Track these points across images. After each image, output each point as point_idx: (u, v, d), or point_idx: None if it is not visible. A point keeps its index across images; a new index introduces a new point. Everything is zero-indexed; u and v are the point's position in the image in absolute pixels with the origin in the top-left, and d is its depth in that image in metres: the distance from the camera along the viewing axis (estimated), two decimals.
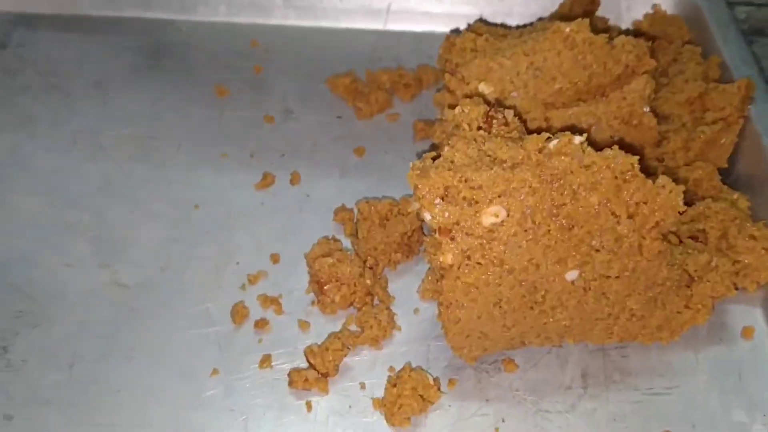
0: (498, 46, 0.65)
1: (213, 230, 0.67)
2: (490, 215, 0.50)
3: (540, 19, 0.72)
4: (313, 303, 0.61)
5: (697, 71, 0.71)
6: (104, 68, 0.83)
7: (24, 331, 0.60)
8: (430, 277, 0.61)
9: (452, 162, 0.51)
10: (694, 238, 0.60)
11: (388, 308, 0.60)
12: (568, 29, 0.62)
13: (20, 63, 0.85)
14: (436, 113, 0.76)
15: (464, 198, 0.50)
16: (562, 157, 0.50)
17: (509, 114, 0.54)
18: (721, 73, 0.72)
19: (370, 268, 0.61)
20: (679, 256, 0.55)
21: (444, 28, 0.83)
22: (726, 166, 0.67)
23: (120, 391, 0.56)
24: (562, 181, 0.50)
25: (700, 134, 0.66)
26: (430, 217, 0.51)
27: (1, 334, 0.60)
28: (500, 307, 0.52)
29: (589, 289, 0.53)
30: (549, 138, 0.51)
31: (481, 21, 0.75)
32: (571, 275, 0.52)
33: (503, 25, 0.73)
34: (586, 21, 0.63)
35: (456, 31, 0.70)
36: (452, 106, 0.55)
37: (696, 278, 0.56)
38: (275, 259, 0.64)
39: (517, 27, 0.71)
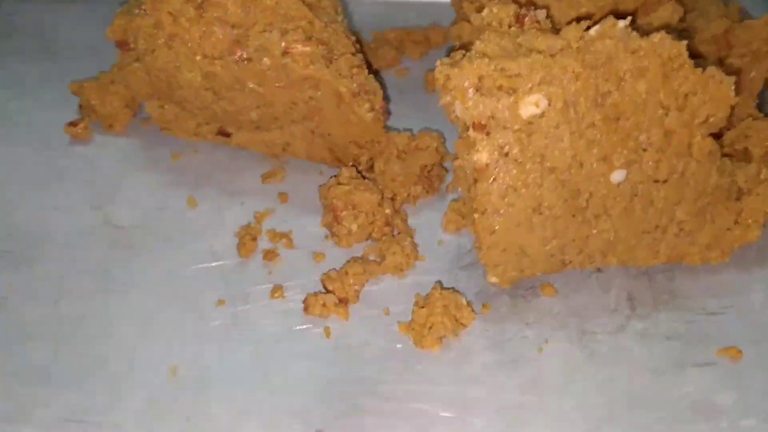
0: None
1: (214, 174, 0.62)
2: (530, 105, 0.45)
3: None
4: (326, 237, 0.56)
5: (719, 13, 0.68)
6: (98, 35, 0.79)
7: (5, 270, 0.54)
8: (454, 208, 0.56)
9: (485, 54, 0.47)
10: (737, 159, 0.56)
11: (411, 237, 0.55)
12: None
13: (9, 28, 0.80)
14: None
15: (500, 87, 0.46)
16: (607, 41, 0.46)
17: (541, 13, 0.50)
18: (741, 18, 0.70)
19: (390, 198, 0.56)
20: (729, 166, 0.51)
21: None
22: (757, 101, 0.64)
23: (113, 323, 0.50)
24: (606, 67, 0.46)
25: (730, 66, 0.62)
26: (463, 111, 0.46)
27: None
28: (540, 213, 0.47)
29: (636, 193, 0.48)
30: (589, 26, 0.47)
31: None
32: (618, 176, 0.47)
33: None
34: None
35: None
36: (480, 9, 0.52)
37: (746, 191, 0.52)
38: (283, 198, 0.59)
39: None
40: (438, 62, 0.48)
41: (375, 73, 0.71)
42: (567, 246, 0.49)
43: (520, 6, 0.51)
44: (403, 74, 0.74)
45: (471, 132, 0.46)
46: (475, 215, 0.48)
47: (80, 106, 0.67)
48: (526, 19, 0.50)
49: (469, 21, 0.60)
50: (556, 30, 0.50)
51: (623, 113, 0.46)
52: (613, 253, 0.51)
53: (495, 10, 0.50)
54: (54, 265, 0.54)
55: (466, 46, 0.57)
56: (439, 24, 0.78)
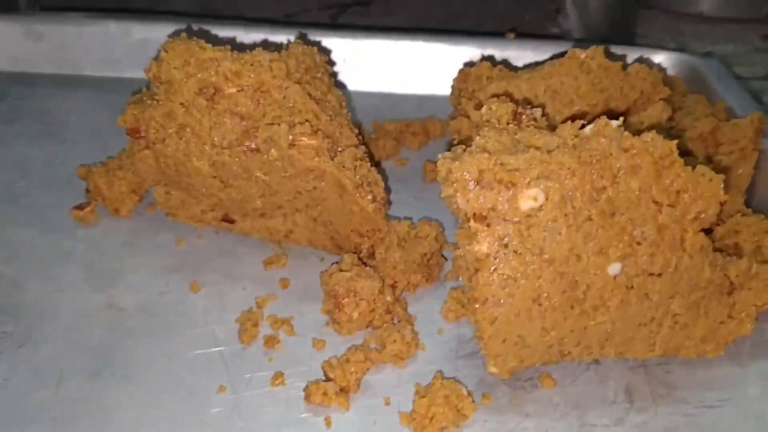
0: (513, 74, 0.65)
1: (217, 259, 0.63)
2: (529, 199, 0.47)
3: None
4: (327, 324, 0.57)
5: (705, 112, 0.71)
6: (104, 121, 0.81)
7: (7, 351, 0.54)
8: (454, 296, 0.57)
9: (485, 149, 0.49)
10: (728, 254, 0.57)
11: (411, 325, 0.56)
12: (583, 55, 0.63)
13: (17, 114, 0.83)
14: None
15: (500, 181, 0.47)
16: (601, 139, 0.48)
17: (537, 111, 0.53)
18: (728, 117, 0.73)
19: (390, 286, 0.58)
20: (721, 261, 0.52)
21: (449, 90, 0.84)
22: (745, 197, 0.66)
23: (114, 408, 0.50)
24: (601, 164, 0.48)
25: (718, 163, 0.65)
26: (464, 203, 0.48)
27: None
28: (540, 304, 0.48)
29: (632, 286, 0.49)
30: (583, 125, 0.49)
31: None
32: (614, 269, 0.49)
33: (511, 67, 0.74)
34: (601, 48, 0.63)
35: (469, 65, 0.70)
36: (478, 106, 0.54)
37: (737, 286, 0.53)
38: (284, 283, 0.60)
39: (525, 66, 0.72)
40: (440, 156, 0.50)
41: (376, 163, 0.74)
42: (566, 337, 0.50)
43: (517, 104, 0.53)
44: (403, 164, 0.76)
45: (472, 223, 0.48)
46: (476, 305, 0.49)
47: (87, 190, 0.69)
48: (524, 117, 0.52)
49: (467, 116, 0.63)
50: (552, 128, 0.52)
51: (618, 208, 0.48)
52: (611, 345, 0.51)
53: (493, 107, 0.53)
54: (56, 347, 0.54)
55: (465, 141, 0.59)
56: (436, 117, 0.81)
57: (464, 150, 0.49)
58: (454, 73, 0.83)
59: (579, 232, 0.48)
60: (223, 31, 0.87)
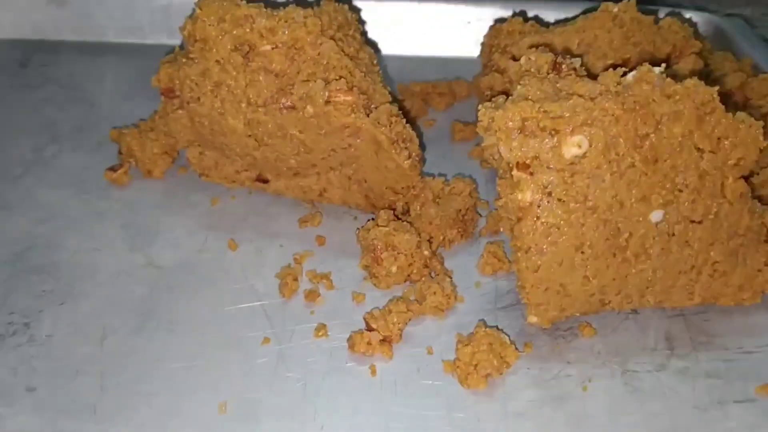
0: (545, 29, 0.65)
1: (252, 218, 0.63)
2: (573, 146, 0.47)
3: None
4: (365, 279, 0.57)
5: (732, 68, 0.71)
6: (131, 85, 0.82)
7: (48, 308, 0.55)
8: (490, 251, 0.58)
9: (527, 98, 0.49)
10: (764, 203, 0.57)
11: (449, 278, 0.56)
12: (615, 9, 0.63)
13: (42, 79, 0.83)
14: (473, 118, 0.75)
15: (544, 129, 0.48)
16: (644, 85, 0.48)
17: (577, 61, 0.53)
18: (754, 73, 0.73)
19: (427, 241, 0.58)
20: (759, 209, 0.52)
21: (473, 52, 0.83)
22: None
23: (160, 360, 0.50)
24: (644, 110, 0.48)
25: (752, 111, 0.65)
26: (507, 152, 0.48)
27: (22, 312, 0.54)
28: (582, 252, 0.49)
29: (673, 234, 0.50)
30: (625, 72, 0.49)
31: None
32: (656, 216, 0.49)
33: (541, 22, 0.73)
34: (633, 1, 0.63)
35: (500, 21, 0.70)
36: (516, 59, 0.54)
37: None
38: (320, 241, 0.61)
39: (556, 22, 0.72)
40: (481, 106, 0.50)
41: (409, 121, 0.73)
42: (606, 286, 0.50)
43: (556, 54, 0.53)
44: (430, 124, 0.76)
45: (515, 172, 0.48)
46: (519, 254, 0.49)
47: (120, 152, 0.69)
48: (563, 66, 0.52)
49: (499, 72, 0.63)
50: (592, 76, 0.52)
51: (660, 155, 0.48)
52: (651, 294, 0.52)
53: (533, 57, 0.53)
54: (98, 303, 0.55)
55: (499, 95, 0.59)
56: (462, 78, 0.81)
57: (506, 99, 0.49)
58: (479, 35, 0.82)
59: (622, 179, 0.48)
60: None
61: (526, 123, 0.48)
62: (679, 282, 0.52)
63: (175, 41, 0.87)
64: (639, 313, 0.53)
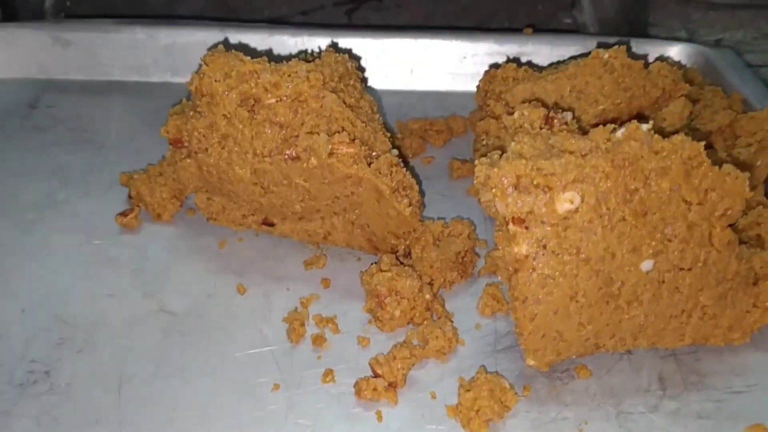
0: (538, 75, 0.67)
1: (259, 261, 0.66)
2: (565, 201, 0.50)
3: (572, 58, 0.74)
4: (370, 322, 0.59)
5: (722, 105, 0.74)
6: (137, 126, 0.84)
7: (67, 356, 0.57)
8: (489, 292, 0.60)
9: (521, 155, 0.52)
10: (751, 245, 0.60)
11: (450, 321, 0.58)
12: (606, 55, 0.65)
13: (50, 121, 0.85)
14: (470, 155, 0.78)
15: (537, 185, 0.50)
16: (632, 142, 0.50)
17: (568, 115, 0.55)
18: (744, 109, 0.75)
19: (428, 284, 0.60)
20: (746, 253, 0.55)
21: (468, 87, 0.86)
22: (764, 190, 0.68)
23: (175, 409, 0.53)
24: (633, 167, 0.50)
25: (737, 157, 0.67)
26: (503, 207, 0.50)
27: (42, 361, 0.56)
28: (576, 300, 0.51)
29: (663, 281, 0.52)
30: (614, 129, 0.52)
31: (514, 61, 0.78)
32: (647, 265, 0.51)
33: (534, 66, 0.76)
34: (623, 47, 0.66)
35: (495, 66, 0.72)
36: (509, 113, 0.57)
37: (762, 276, 0.56)
38: (326, 283, 0.63)
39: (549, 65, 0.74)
40: (477, 162, 0.52)
41: (407, 160, 0.76)
42: (601, 331, 0.53)
43: (548, 108, 0.56)
44: (429, 162, 0.79)
45: (511, 226, 0.50)
46: (516, 303, 0.51)
47: (130, 197, 0.71)
48: (555, 121, 0.55)
49: (494, 117, 0.65)
50: (582, 130, 0.55)
51: (650, 208, 0.51)
52: (644, 336, 0.54)
53: (526, 113, 0.55)
54: (114, 351, 0.57)
55: (494, 141, 0.62)
56: (458, 113, 0.84)
57: (501, 156, 0.52)
58: (474, 69, 0.85)
59: (613, 232, 0.50)
60: (247, 37, 0.89)
61: (520, 180, 0.50)
62: (671, 325, 0.54)
63: (179, 79, 0.90)
64: (633, 353, 0.56)
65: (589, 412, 0.52)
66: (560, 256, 0.50)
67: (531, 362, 0.54)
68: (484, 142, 0.67)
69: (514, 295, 0.51)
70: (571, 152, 0.51)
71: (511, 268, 0.51)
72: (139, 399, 0.54)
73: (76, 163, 0.78)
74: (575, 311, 0.51)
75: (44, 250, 0.67)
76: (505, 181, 0.50)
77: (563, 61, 0.71)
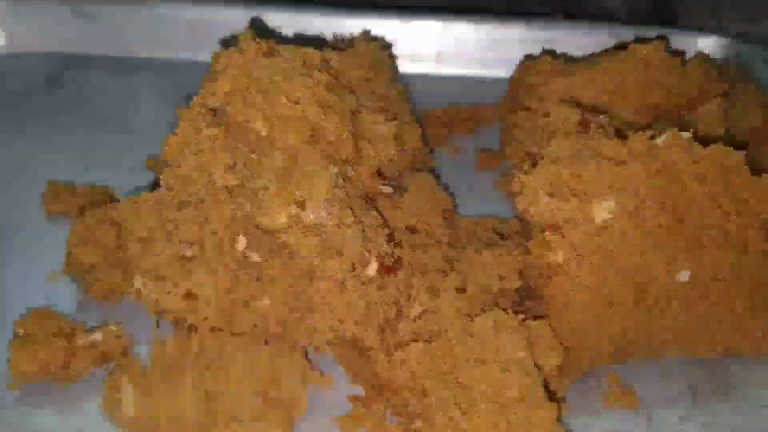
0: (574, 69, 0.66)
1: None
2: (602, 209, 0.49)
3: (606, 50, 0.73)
4: None
5: (756, 103, 0.72)
6: (161, 105, 0.83)
7: None
8: None
9: (557, 159, 0.51)
10: None
11: None
12: (644, 51, 0.63)
13: (74, 98, 0.84)
14: (497, 146, 0.77)
15: (574, 192, 0.49)
16: (672, 150, 0.49)
17: (604, 118, 0.54)
18: None
19: None
20: None
21: (497, 73, 0.84)
22: None
23: None
24: (672, 175, 0.49)
25: None
26: (538, 215, 0.50)
27: None
28: (611, 309, 0.50)
29: (698, 289, 0.51)
30: (653, 135, 0.51)
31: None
32: (683, 276, 0.51)
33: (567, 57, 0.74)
34: (662, 44, 0.64)
35: (529, 57, 0.71)
36: (546, 115, 0.56)
37: None
38: None
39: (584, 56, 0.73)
40: (515, 169, 0.51)
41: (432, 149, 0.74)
42: (633, 339, 0.52)
43: (584, 111, 0.55)
44: (456, 152, 0.77)
45: (546, 233, 0.50)
46: (552, 310, 0.51)
47: (156, 183, 0.71)
48: (591, 124, 0.54)
49: (526, 110, 0.64)
50: (618, 133, 0.54)
51: (687, 216, 0.50)
52: (675, 345, 0.54)
53: (562, 114, 0.54)
54: None
55: (525, 135, 0.61)
56: (486, 100, 0.82)
57: (535, 163, 0.51)
58: (504, 54, 0.83)
59: (649, 240, 0.50)
60: (275, 16, 0.88)
61: (556, 186, 0.49)
62: (703, 334, 0.53)
63: (204, 57, 0.88)
64: (663, 362, 0.55)
65: (619, 423, 0.51)
66: (596, 264, 0.49)
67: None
68: (515, 136, 0.66)
69: (550, 302, 0.51)
70: (608, 158, 0.50)
71: (545, 276, 0.51)
72: None
73: (100, 144, 0.78)
74: (609, 319, 0.51)
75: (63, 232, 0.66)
76: (542, 188, 0.50)
77: (597, 54, 0.69)
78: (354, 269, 0.49)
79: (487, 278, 0.53)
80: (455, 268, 0.55)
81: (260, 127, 0.50)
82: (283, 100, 0.50)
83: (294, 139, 0.49)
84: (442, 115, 0.80)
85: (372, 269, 0.49)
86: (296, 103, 0.50)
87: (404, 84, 0.81)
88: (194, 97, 0.53)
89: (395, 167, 0.58)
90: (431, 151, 0.76)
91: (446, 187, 0.70)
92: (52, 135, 0.78)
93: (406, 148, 0.60)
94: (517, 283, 0.52)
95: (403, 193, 0.59)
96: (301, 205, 0.48)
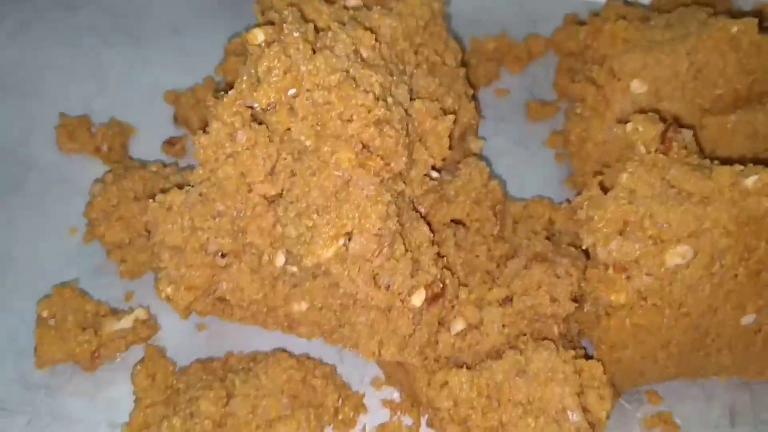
0: (651, 37, 0.58)
1: None
2: (676, 256, 0.45)
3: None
4: None
5: None
6: (179, 17, 0.75)
7: None
8: None
9: (632, 191, 0.46)
10: None
11: None
12: (735, 29, 0.56)
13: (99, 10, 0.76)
14: (549, 90, 0.70)
15: (648, 235, 0.45)
16: (763, 198, 0.45)
17: (688, 134, 0.49)
18: None
19: None
20: None
21: None
22: None
23: None
24: (759, 224, 0.45)
25: None
26: (604, 254, 0.46)
27: None
28: (668, 350, 0.48)
29: (760, 331, 0.49)
30: (742, 170, 0.46)
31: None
32: (747, 319, 0.48)
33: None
34: (754, 21, 0.56)
35: (595, 14, 0.63)
36: (622, 121, 0.50)
37: None
38: None
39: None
40: (580, 198, 0.47)
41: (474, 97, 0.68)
42: (682, 372, 0.51)
43: (667, 125, 0.49)
44: (503, 95, 0.71)
45: (611, 272, 0.46)
46: (602, 346, 0.49)
47: (175, 119, 0.65)
48: (674, 142, 0.48)
49: (595, 85, 0.58)
50: (701, 155, 0.49)
51: (765, 266, 0.46)
52: (724, 374, 0.52)
53: (640, 128, 0.49)
54: None
55: (590, 113, 0.55)
56: (538, 29, 0.74)
57: (605, 187, 0.47)
58: None
59: (722, 289, 0.46)
60: None
61: (628, 225, 0.45)
62: (756, 365, 0.52)
63: None
64: (704, 382, 0.54)
65: None
66: (660, 308, 0.46)
67: None
68: (578, 111, 0.59)
69: (601, 337, 0.48)
70: (690, 194, 0.45)
71: (602, 310, 0.48)
72: None
73: (114, 62, 0.71)
74: (663, 358, 0.49)
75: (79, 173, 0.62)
76: (612, 226, 0.45)
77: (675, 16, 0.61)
78: (401, 300, 0.46)
79: (536, 298, 0.50)
80: (502, 274, 0.52)
81: (306, 139, 0.45)
82: (335, 116, 0.44)
83: (345, 158, 0.44)
84: (491, 49, 0.72)
85: (419, 299, 0.46)
86: (349, 121, 0.44)
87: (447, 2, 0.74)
88: (229, 93, 0.46)
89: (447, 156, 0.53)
90: (473, 97, 0.70)
91: (491, 140, 0.65)
92: (62, 48, 0.71)
93: (457, 130, 0.55)
94: (571, 309, 0.49)
95: (451, 181, 0.54)
96: (350, 236, 0.44)
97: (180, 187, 0.48)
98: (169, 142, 0.64)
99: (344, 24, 0.50)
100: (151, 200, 0.48)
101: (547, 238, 0.55)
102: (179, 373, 0.51)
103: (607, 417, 0.46)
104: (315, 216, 0.44)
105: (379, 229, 0.44)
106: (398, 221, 0.45)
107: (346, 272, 0.45)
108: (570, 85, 0.63)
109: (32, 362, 0.52)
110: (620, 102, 0.57)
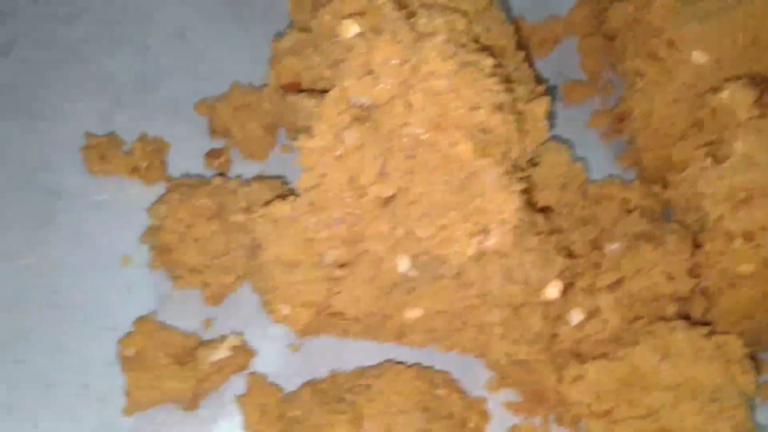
0: (705, 7, 0.58)
1: None
2: None
3: None
4: None
5: None
6: (182, 15, 0.70)
7: None
8: None
9: (750, 158, 0.46)
10: None
11: None
12: None
13: (73, 8, 0.69)
14: (577, 71, 0.69)
15: None
16: None
17: None
18: None
19: None
20: None
21: None
22: None
23: None
24: None
25: None
26: (731, 223, 0.45)
27: None
28: None
29: None
30: None
31: None
32: None
33: None
34: None
35: None
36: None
37: None
38: None
39: None
40: (692, 170, 0.47)
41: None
42: None
43: (760, 88, 0.49)
44: None
45: (739, 242, 0.46)
46: (726, 318, 0.48)
47: (212, 130, 0.61)
48: None
49: (654, 58, 0.57)
50: None
51: None
52: None
53: (738, 95, 0.48)
54: None
55: (651, 88, 0.55)
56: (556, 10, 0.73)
57: (717, 158, 0.46)
58: None
59: None
60: None
61: (753, 193, 0.45)
62: None
63: None
64: None
65: None
66: None
67: None
68: (639, 86, 0.59)
69: (726, 310, 0.48)
70: None
71: (725, 284, 0.47)
72: None
73: (123, 74, 0.65)
74: None
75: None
76: (733, 193, 0.45)
77: None
78: (536, 293, 0.44)
79: (651, 278, 0.49)
80: (602, 257, 0.51)
81: (425, 132, 0.42)
82: (460, 105, 0.41)
83: (467, 149, 0.41)
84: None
85: (554, 292, 0.44)
86: (474, 108, 0.42)
87: None
88: (331, 91, 0.43)
89: None
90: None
91: None
92: (69, 64, 0.65)
93: None
94: (690, 285, 0.48)
95: (535, 167, 0.52)
96: (488, 231, 0.42)
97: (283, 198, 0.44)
98: (211, 155, 0.59)
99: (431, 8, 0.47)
100: (257, 216, 0.44)
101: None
102: (287, 398, 0.47)
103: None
104: (452, 213, 0.41)
105: (514, 223, 0.41)
106: (530, 214, 0.43)
107: (483, 269, 0.42)
108: (626, 64, 0.62)
109: (118, 410, 0.47)
110: (682, 74, 0.57)
